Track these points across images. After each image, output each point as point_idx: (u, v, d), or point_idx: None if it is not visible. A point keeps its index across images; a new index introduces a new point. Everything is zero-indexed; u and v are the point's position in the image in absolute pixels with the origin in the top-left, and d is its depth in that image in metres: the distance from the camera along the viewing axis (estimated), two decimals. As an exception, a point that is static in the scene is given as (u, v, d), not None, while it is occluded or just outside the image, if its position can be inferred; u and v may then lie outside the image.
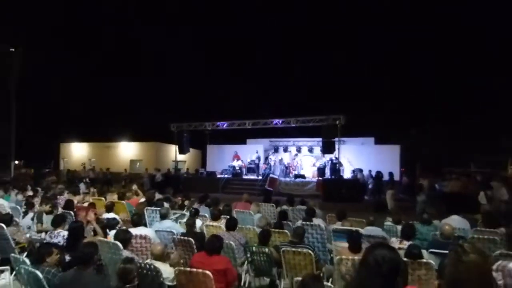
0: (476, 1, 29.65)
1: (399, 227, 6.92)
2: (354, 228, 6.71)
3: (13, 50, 22.77)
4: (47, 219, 7.31)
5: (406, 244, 5.56)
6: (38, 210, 8.22)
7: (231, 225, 6.46)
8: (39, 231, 7.07)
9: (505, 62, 28.14)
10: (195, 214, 8.04)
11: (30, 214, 8.34)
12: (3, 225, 6.51)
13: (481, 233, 6.60)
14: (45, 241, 5.95)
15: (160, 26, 36.34)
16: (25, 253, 6.39)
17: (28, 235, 7.07)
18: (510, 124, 27.22)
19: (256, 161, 23.34)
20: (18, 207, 9.62)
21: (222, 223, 7.16)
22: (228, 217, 7.23)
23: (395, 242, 6.07)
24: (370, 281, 1.96)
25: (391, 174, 19.16)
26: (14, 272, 5.24)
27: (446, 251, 5.22)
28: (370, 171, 20.08)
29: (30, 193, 12.16)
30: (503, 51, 29.11)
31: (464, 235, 6.54)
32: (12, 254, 5.25)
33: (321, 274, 5.52)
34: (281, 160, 23.14)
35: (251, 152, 24.10)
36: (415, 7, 31.80)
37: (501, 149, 26.49)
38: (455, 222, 7.17)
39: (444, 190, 16.45)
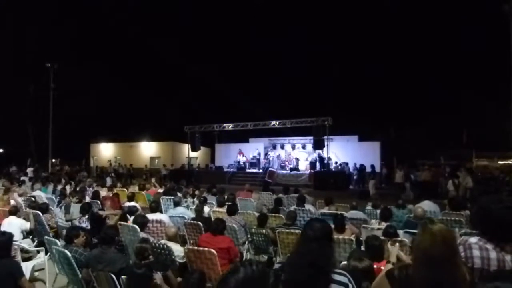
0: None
1: (378, 211, 6.88)
2: (339, 212, 6.68)
3: (49, 65, 22.69)
4: (74, 209, 7.22)
5: (384, 225, 5.51)
6: (66, 202, 8.17)
7: (231, 210, 6.43)
8: (67, 220, 6.98)
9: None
10: (203, 201, 8.01)
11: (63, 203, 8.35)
12: (39, 212, 6.51)
13: (448, 215, 6.56)
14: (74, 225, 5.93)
15: (175, 40, 36.51)
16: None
17: (54, 221, 6.97)
18: (469, 124, 27.47)
19: (258, 157, 23.34)
20: (53, 197, 9.64)
21: (226, 209, 7.12)
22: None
23: (374, 223, 6.04)
24: (306, 244, 2.04)
25: (373, 166, 19.11)
26: (48, 253, 5.23)
27: (417, 231, 5.20)
28: (355, 164, 20.05)
29: (67, 186, 12.13)
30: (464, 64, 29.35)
31: (435, 217, 6.49)
32: (46, 237, 5.25)
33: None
34: (278, 156, 23.19)
35: (253, 149, 24.09)
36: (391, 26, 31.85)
37: (464, 144, 26.61)
38: (427, 206, 7.12)
39: (418, 179, 16.42)
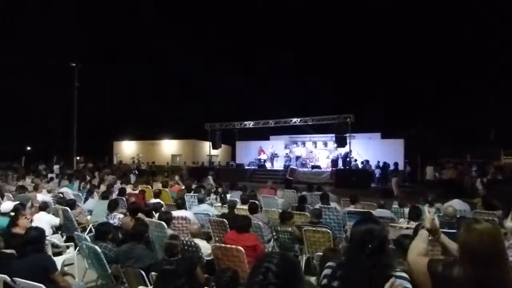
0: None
1: (405, 210, 6.74)
2: (366, 210, 6.56)
3: (74, 65, 23.11)
4: (101, 205, 7.31)
5: (413, 224, 5.38)
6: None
7: (252, 208, 6.34)
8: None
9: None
10: (224, 198, 8.04)
11: (90, 200, 8.52)
12: (67, 208, 6.63)
13: (480, 215, 6.35)
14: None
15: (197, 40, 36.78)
16: (86, 232, 6.50)
17: (82, 217, 7.07)
18: (497, 121, 26.63)
19: (277, 155, 23.19)
20: (80, 194, 9.83)
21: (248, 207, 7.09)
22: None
23: (403, 222, 5.91)
24: (361, 258, 1.74)
25: (396, 164, 18.79)
26: (77, 248, 5.32)
27: (449, 230, 5.04)
28: (378, 162, 19.73)
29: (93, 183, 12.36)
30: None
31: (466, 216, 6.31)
32: (76, 232, 5.33)
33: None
34: (299, 154, 22.98)
35: (273, 147, 23.96)
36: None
37: (491, 142, 25.82)
38: (457, 205, 6.93)
39: (443, 177, 16.03)
